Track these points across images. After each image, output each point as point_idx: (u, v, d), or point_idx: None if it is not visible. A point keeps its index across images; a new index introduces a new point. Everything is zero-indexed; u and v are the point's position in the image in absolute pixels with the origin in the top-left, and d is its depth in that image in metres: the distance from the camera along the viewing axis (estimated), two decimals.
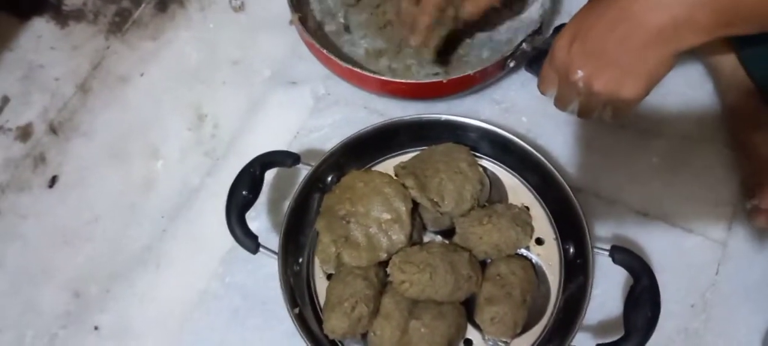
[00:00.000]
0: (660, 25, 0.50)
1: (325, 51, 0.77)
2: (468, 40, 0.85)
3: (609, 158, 0.79)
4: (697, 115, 0.81)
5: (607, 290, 0.71)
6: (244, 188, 0.69)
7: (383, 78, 0.78)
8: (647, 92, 0.55)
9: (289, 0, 0.81)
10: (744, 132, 0.76)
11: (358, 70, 0.77)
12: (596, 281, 0.72)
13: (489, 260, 0.68)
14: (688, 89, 0.82)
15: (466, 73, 0.75)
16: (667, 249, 0.74)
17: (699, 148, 0.79)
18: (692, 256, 0.74)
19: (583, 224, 0.66)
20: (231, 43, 0.89)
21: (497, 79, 0.83)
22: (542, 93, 0.62)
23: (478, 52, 0.84)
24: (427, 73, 0.82)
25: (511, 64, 0.79)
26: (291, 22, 0.88)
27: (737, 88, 0.76)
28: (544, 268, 0.69)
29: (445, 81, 0.75)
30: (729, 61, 0.76)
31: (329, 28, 0.87)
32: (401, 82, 0.77)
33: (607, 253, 0.65)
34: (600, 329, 0.70)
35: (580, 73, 0.55)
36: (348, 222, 0.66)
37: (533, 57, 0.77)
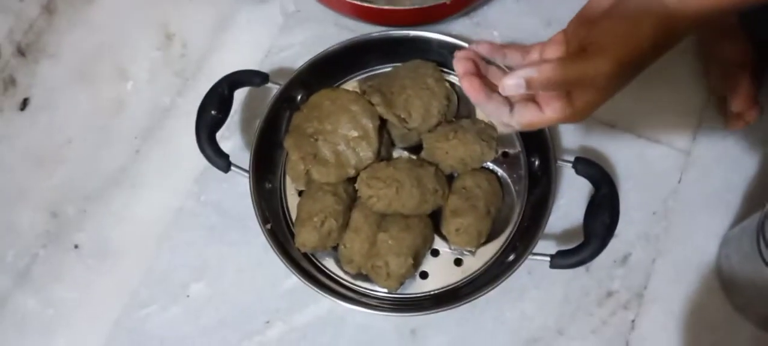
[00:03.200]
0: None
1: None
2: None
3: None
4: None
5: (573, 199, 0.73)
6: (213, 108, 0.69)
7: (399, 8, 0.75)
8: None
9: None
10: (713, 40, 0.76)
11: (371, 5, 0.75)
12: (561, 192, 0.74)
13: (456, 174, 0.69)
14: None
15: None
16: (633, 159, 0.76)
17: (667, 59, 0.78)
18: (656, 165, 0.76)
19: (547, 137, 0.67)
20: None
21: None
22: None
23: None
24: None
25: None
26: None
27: None
28: (509, 180, 0.70)
29: (448, 2, 0.73)
30: None
31: None
32: (409, 9, 0.74)
33: (570, 164, 0.67)
34: (563, 236, 0.73)
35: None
36: (316, 140, 0.67)
37: None
